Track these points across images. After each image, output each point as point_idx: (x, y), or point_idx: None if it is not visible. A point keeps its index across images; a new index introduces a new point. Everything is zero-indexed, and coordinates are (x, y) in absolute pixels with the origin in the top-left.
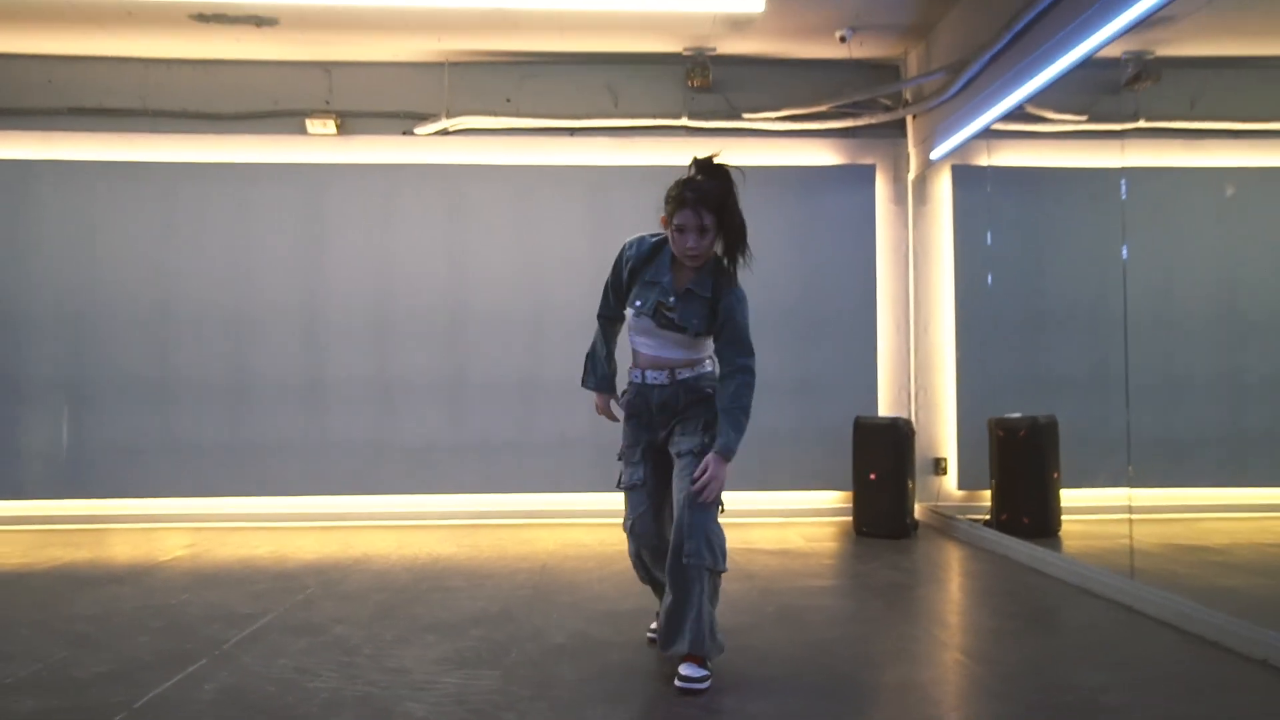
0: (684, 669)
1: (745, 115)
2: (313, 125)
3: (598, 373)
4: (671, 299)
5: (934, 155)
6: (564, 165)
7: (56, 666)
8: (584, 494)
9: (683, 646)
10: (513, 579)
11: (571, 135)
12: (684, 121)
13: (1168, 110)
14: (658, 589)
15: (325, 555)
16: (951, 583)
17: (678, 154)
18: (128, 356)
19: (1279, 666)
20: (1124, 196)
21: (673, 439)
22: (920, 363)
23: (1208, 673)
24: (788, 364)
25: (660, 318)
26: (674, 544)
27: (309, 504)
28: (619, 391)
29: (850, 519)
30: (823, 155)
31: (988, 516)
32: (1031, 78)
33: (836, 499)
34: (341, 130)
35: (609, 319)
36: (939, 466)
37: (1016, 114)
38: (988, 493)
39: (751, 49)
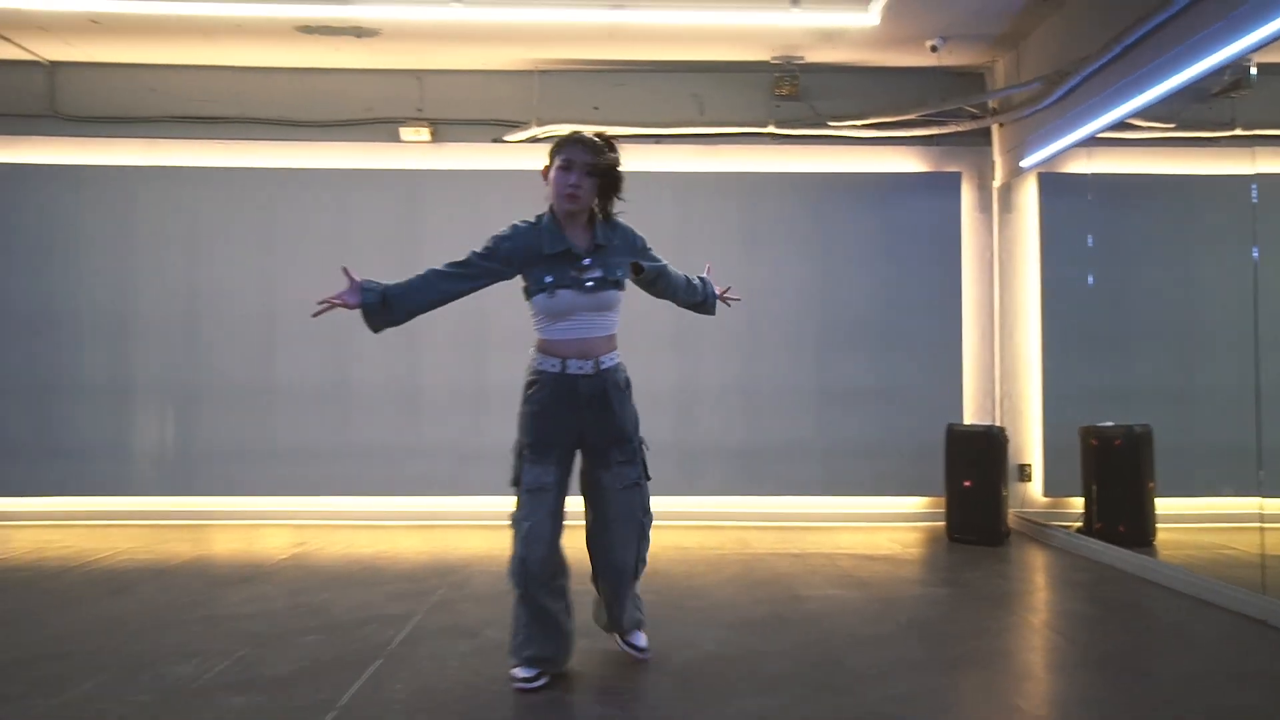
0: (632, 637)
1: (831, 123)
2: (407, 133)
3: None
4: (587, 260)
5: (1024, 163)
6: (651, 172)
7: (248, 663)
8: (672, 497)
9: (628, 625)
10: None
11: (658, 143)
12: (770, 129)
13: (1265, 118)
14: (538, 615)
15: (433, 554)
16: (1064, 591)
17: (763, 161)
18: (231, 359)
19: None
20: (1254, 200)
21: (610, 465)
22: (1005, 370)
23: None
24: (869, 371)
25: (579, 284)
26: (627, 566)
27: (402, 504)
28: (527, 383)
29: (937, 524)
30: (907, 163)
31: (1078, 524)
32: (1142, 92)
33: (921, 504)
34: (434, 137)
35: (450, 276)
36: (1024, 473)
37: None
38: (1074, 499)
39: (839, 58)
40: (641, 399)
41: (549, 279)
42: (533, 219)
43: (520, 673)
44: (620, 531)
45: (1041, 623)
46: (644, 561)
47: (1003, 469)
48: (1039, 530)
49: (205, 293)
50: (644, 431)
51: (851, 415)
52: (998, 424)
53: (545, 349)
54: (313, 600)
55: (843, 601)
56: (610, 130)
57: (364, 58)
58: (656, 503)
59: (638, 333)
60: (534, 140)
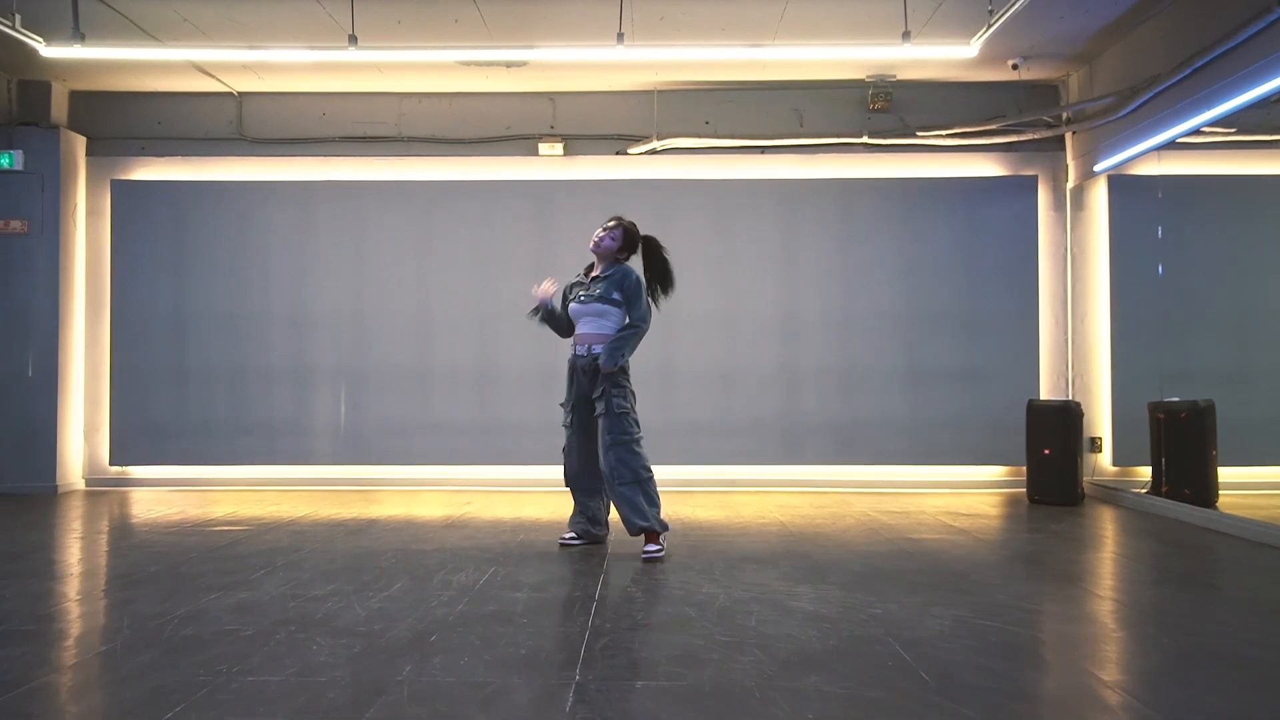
0: (646, 547)
1: (919, 133)
2: (544, 147)
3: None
4: (589, 288)
5: (1098, 168)
6: (757, 179)
7: (506, 575)
8: (778, 466)
9: (635, 531)
10: (767, 530)
11: (762, 153)
12: (864, 139)
13: None
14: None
15: None
16: (1139, 536)
17: (858, 168)
18: (393, 347)
19: None
20: None
21: (597, 403)
22: (1077, 352)
23: None
24: (955, 355)
25: (580, 299)
26: (606, 474)
27: (543, 472)
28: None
29: (1015, 490)
30: (988, 168)
31: (1145, 489)
32: (1209, 108)
33: (1000, 473)
34: (566, 151)
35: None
36: (1095, 445)
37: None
38: (1141, 469)
39: (929, 75)
40: (750, 379)
41: (569, 295)
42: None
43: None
44: (603, 447)
45: (1121, 555)
46: (624, 474)
47: (1078, 439)
48: (1111, 494)
49: (371, 289)
50: (753, 407)
51: (938, 392)
52: (1073, 399)
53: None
54: (514, 539)
55: (953, 542)
56: (718, 142)
57: (506, 83)
58: (763, 471)
59: (745, 320)
60: (653, 152)
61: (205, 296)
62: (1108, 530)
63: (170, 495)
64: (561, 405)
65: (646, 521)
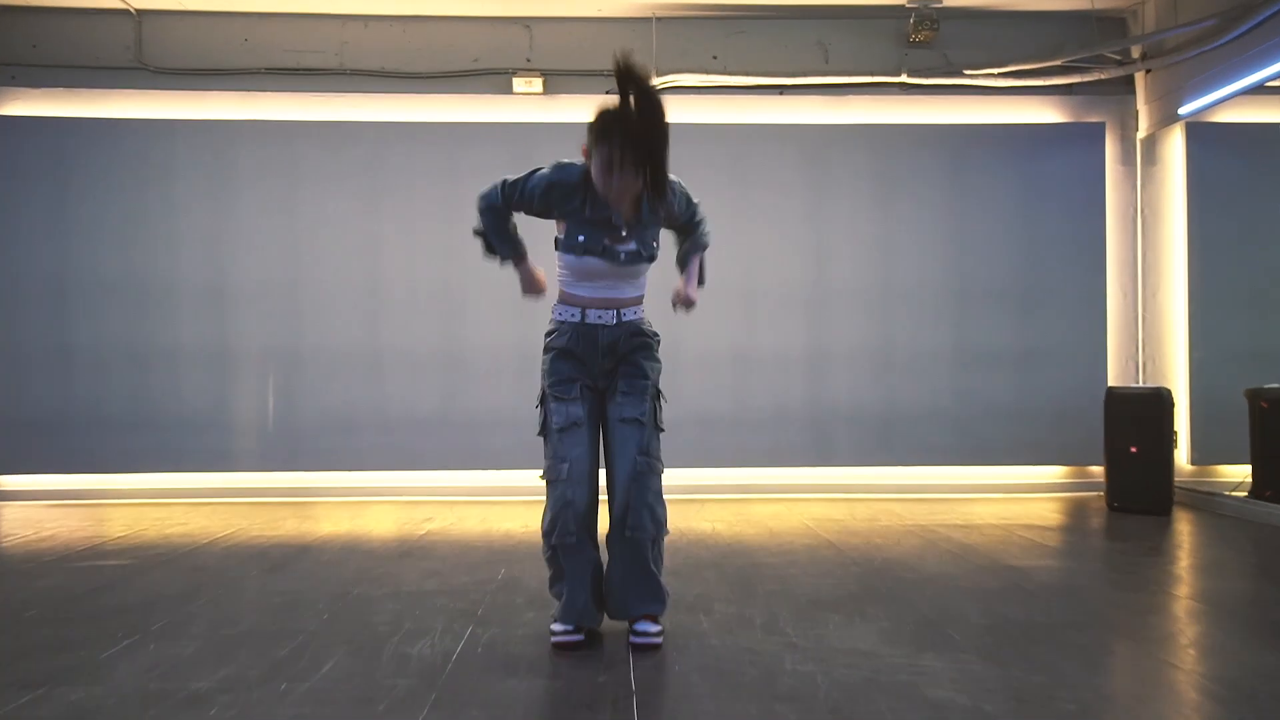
0: (640, 625)
1: (966, 71)
2: (519, 84)
3: (516, 243)
4: (624, 233)
5: (1183, 110)
6: (777, 124)
7: (491, 637)
8: (804, 469)
9: (640, 609)
10: (820, 555)
11: (781, 94)
12: (902, 79)
13: None
14: (572, 564)
15: None
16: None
17: (894, 113)
18: (335, 327)
19: None
20: None
21: (615, 396)
22: (1149, 332)
23: None
24: (1011, 334)
25: (612, 255)
26: (616, 517)
27: (520, 478)
28: (546, 332)
29: (1085, 494)
30: (1047, 113)
31: (1242, 493)
32: None
33: (1061, 474)
34: (546, 89)
35: (501, 213)
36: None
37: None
38: (1225, 467)
39: (979, 1)
40: (770, 364)
41: (582, 238)
42: (581, 166)
43: (558, 627)
44: (625, 478)
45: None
46: (648, 530)
47: (1170, 434)
48: (1202, 499)
49: (307, 254)
50: (775, 396)
51: (991, 379)
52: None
53: (567, 300)
54: (493, 576)
55: (1069, 571)
56: (728, 80)
57: (470, 5)
58: (786, 474)
59: (765, 293)
60: None
61: (96, 260)
62: (1232, 548)
63: (49, 512)
64: (556, 394)
65: (662, 603)
